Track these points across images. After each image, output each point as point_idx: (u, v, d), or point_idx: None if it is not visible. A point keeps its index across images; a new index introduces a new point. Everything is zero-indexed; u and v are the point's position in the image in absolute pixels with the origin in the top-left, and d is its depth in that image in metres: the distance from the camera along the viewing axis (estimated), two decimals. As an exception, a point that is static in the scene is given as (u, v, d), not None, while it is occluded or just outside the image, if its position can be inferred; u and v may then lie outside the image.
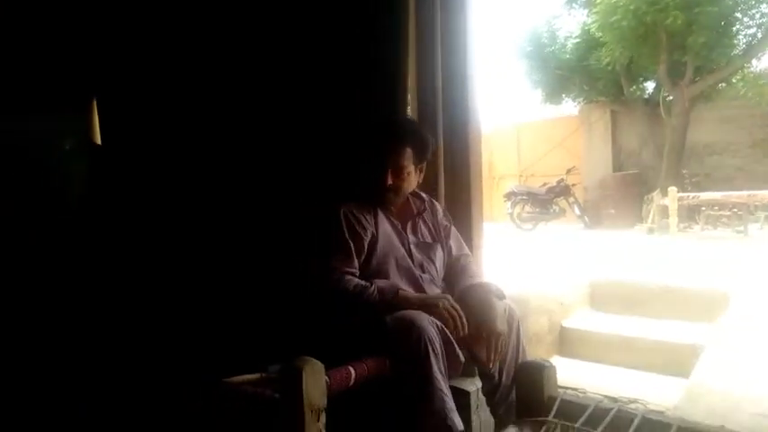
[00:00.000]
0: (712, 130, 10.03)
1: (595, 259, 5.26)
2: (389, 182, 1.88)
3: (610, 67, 9.79)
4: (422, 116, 2.22)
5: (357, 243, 1.85)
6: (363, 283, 1.78)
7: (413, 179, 1.97)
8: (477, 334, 1.80)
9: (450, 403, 1.63)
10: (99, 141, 3.70)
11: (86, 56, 3.22)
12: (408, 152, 1.90)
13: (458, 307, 1.75)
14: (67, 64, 3.21)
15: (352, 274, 1.80)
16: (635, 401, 2.34)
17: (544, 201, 10.10)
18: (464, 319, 1.73)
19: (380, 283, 1.79)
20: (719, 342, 2.71)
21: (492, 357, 1.79)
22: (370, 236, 1.88)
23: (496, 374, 1.90)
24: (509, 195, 10.22)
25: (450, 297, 1.80)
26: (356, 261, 1.84)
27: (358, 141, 1.98)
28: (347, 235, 1.83)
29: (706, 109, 9.79)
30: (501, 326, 1.80)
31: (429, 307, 1.72)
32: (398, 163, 1.88)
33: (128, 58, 3.20)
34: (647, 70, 10.19)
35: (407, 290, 1.84)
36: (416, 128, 1.99)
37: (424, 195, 2.08)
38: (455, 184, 2.27)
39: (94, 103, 3.73)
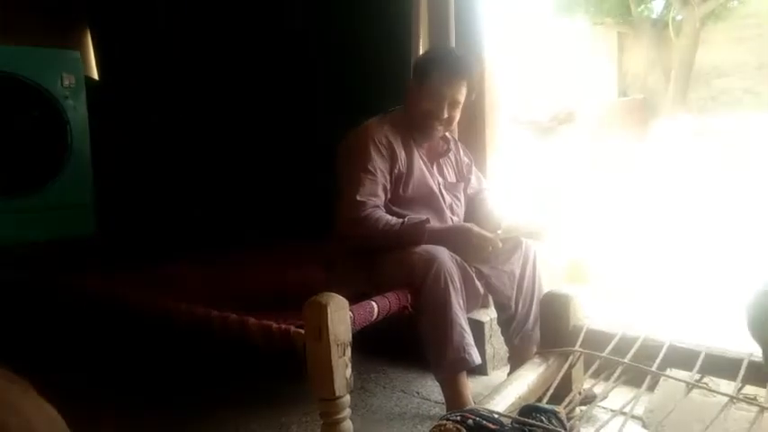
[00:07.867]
0: (721, 52, 9.71)
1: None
2: (446, 114, 1.85)
3: (617, -14, 9.41)
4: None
5: (385, 171, 1.82)
6: (392, 219, 1.75)
7: (458, 115, 1.94)
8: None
9: (469, 338, 1.66)
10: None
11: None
12: (464, 87, 1.87)
13: (484, 231, 1.78)
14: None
15: (379, 205, 1.78)
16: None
17: (547, 129, 9.94)
18: (495, 240, 1.75)
19: (412, 219, 1.77)
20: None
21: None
22: (399, 167, 1.85)
23: (512, 305, 1.92)
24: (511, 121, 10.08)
25: (474, 225, 1.81)
26: (385, 190, 1.82)
27: (414, 73, 1.94)
28: (376, 163, 1.79)
29: (716, 29, 9.46)
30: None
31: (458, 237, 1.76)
32: (456, 97, 1.85)
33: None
34: (655, -12, 9.80)
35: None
36: (472, 64, 1.95)
37: (448, 135, 2.05)
38: (470, 125, 2.25)
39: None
